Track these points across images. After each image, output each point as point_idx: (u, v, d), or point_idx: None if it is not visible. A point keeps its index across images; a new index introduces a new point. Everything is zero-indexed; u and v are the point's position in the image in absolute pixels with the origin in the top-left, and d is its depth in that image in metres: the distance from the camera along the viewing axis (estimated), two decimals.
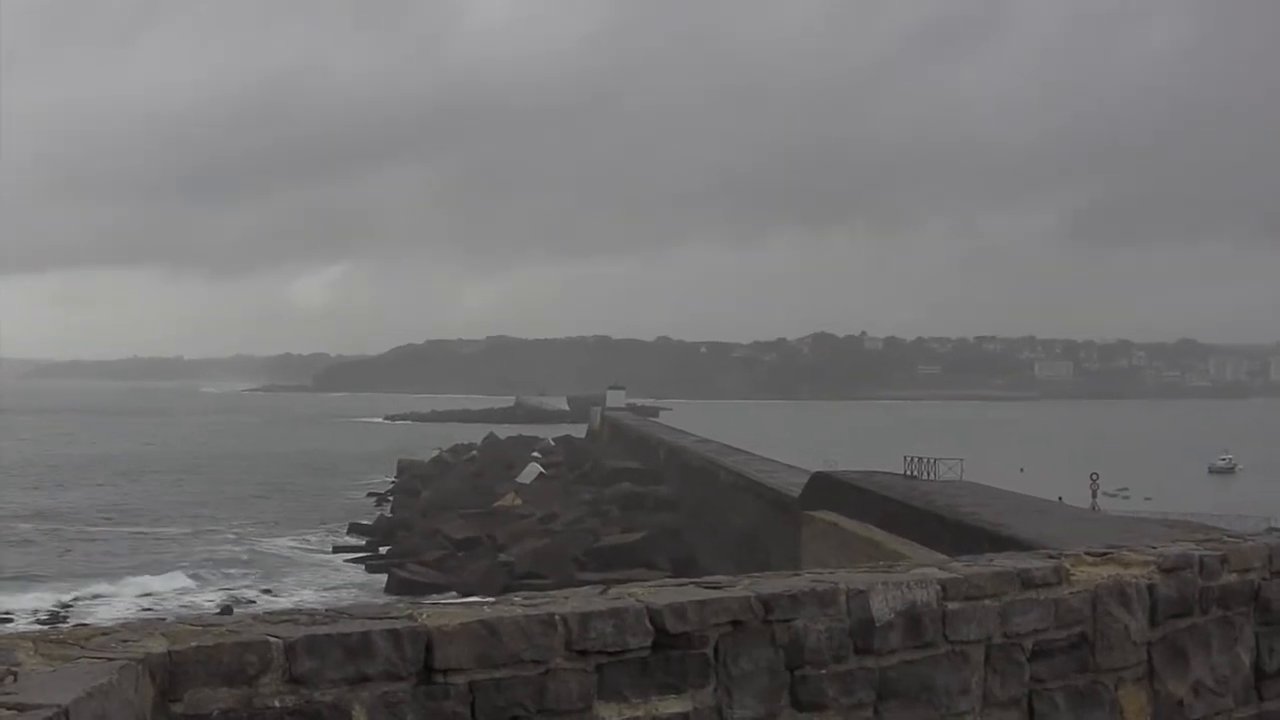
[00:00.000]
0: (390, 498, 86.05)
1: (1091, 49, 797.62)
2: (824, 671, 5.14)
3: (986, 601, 5.67)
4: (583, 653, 4.56)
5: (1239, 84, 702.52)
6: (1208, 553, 6.73)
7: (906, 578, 5.55)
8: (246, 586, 53.44)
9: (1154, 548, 6.69)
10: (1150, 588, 6.32)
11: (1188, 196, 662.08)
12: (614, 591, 4.96)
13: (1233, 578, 6.80)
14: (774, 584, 5.22)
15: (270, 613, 4.64)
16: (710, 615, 4.85)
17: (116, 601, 49.13)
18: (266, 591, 52.15)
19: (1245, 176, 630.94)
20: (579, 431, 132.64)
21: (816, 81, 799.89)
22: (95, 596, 50.44)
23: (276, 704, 4.02)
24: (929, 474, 36.83)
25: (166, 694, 3.88)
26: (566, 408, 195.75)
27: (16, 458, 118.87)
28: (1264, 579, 6.99)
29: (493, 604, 4.72)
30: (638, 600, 4.78)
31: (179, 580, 53.99)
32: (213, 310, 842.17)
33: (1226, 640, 6.73)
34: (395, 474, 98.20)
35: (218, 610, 42.75)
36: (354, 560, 60.62)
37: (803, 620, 5.10)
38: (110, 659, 3.71)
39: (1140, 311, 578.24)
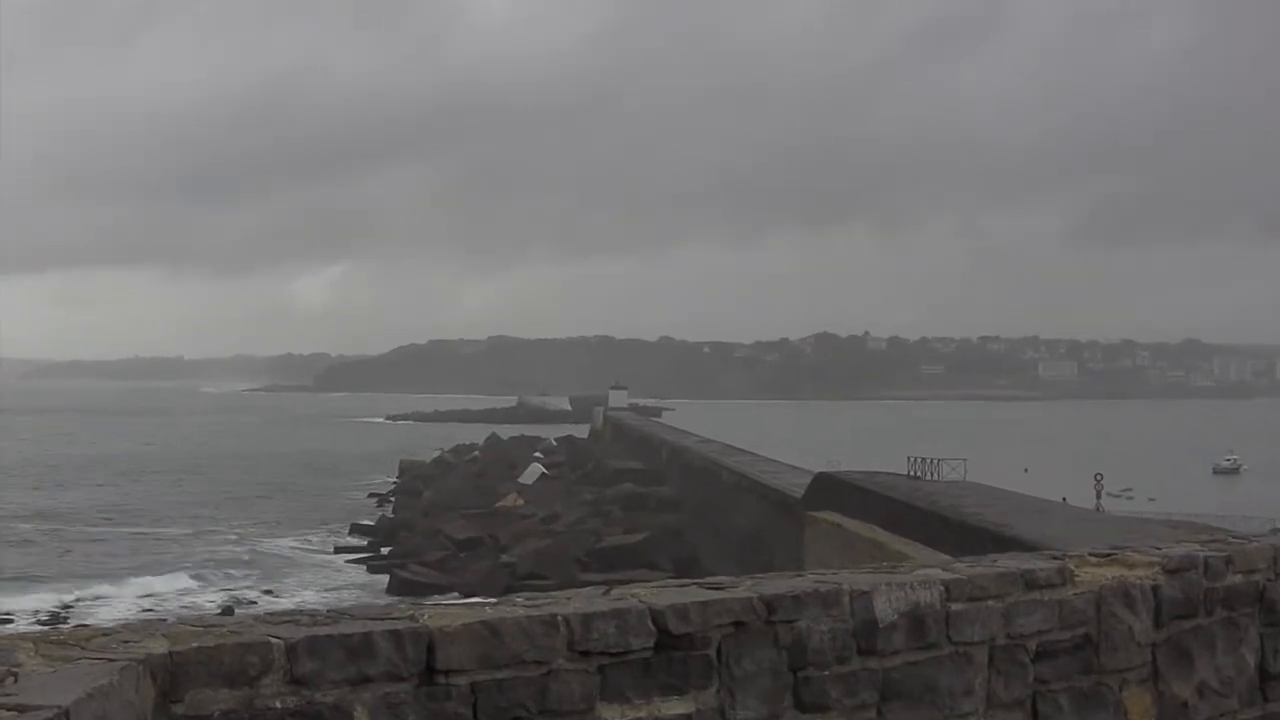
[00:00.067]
0: (392, 498, 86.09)
1: (1091, 49, 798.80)
2: (827, 673, 5.12)
3: (990, 602, 5.66)
4: (585, 654, 4.54)
5: (1239, 84, 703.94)
6: (1212, 554, 6.72)
7: (910, 578, 5.53)
8: (248, 587, 53.47)
9: (1158, 549, 6.68)
10: (1155, 589, 6.31)
11: (1188, 196, 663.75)
12: (616, 592, 4.94)
13: (1237, 579, 6.78)
14: (777, 585, 5.21)
15: (271, 613, 4.63)
16: (713, 616, 4.83)
17: (117, 602, 49.13)
18: (268, 592, 52.18)
19: (1245, 176, 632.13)
20: (581, 432, 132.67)
21: (816, 81, 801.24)
22: (96, 597, 50.44)
23: (278, 705, 4.01)
24: (932, 474, 36.87)
25: (167, 695, 3.87)
26: (569, 408, 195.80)
27: (16, 458, 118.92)
28: (1269, 580, 6.98)
29: (495, 605, 4.70)
30: (640, 601, 4.77)
31: (180, 581, 54.03)
32: (213, 310, 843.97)
33: (1231, 641, 6.71)
34: (397, 474, 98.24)
35: (219, 611, 42.72)
36: (355, 561, 60.64)
37: (806, 621, 5.08)
38: (111, 660, 3.70)
39: (1144, 311, 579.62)
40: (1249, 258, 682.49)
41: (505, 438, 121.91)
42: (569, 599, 4.82)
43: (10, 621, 43.46)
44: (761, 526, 45.04)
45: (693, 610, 4.78)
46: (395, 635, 4.22)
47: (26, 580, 54.03)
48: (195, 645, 3.95)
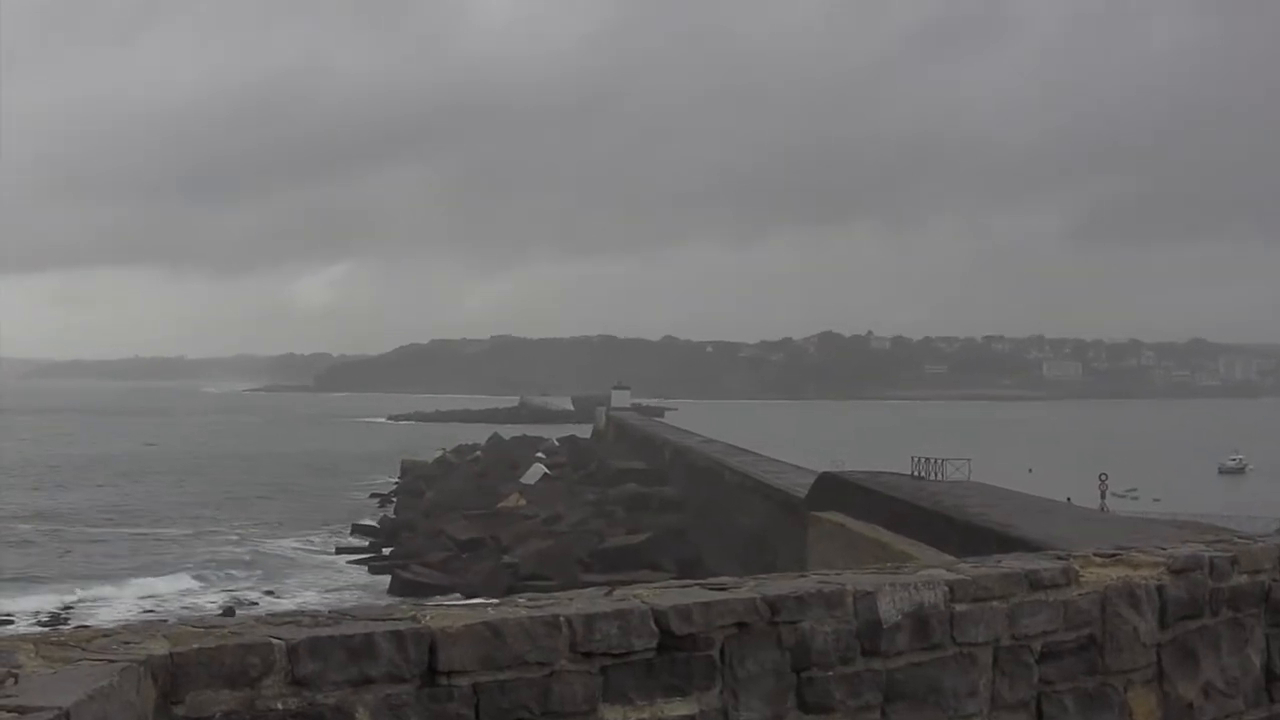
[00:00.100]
0: (393, 498, 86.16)
1: (1091, 49, 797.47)
2: (830, 673, 5.11)
3: (994, 603, 5.64)
4: (587, 654, 4.53)
5: (1239, 84, 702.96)
6: (1218, 554, 6.70)
7: (914, 579, 5.51)
8: (249, 588, 53.52)
9: (1163, 549, 6.66)
10: (1160, 589, 6.29)
11: (1188, 196, 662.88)
12: (619, 593, 4.93)
13: (1243, 579, 6.77)
14: (780, 585, 5.19)
15: (273, 614, 4.63)
16: (716, 617, 4.82)
17: (118, 603, 49.15)
18: (269, 593, 52.23)
19: (1245, 176, 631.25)
20: (584, 432, 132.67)
21: (817, 81, 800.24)
22: (96, 598, 50.45)
23: (279, 706, 4.00)
24: (936, 474, 36.88)
25: (168, 696, 3.86)
26: (571, 408, 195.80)
27: (16, 458, 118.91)
28: (1275, 580, 6.96)
29: (497, 605, 4.69)
30: (643, 602, 4.75)
31: (181, 582, 54.06)
32: (214, 310, 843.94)
33: (1237, 642, 6.70)
34: (398, 474, 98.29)
35: (220, 612, 42.78)
36: (357, 561, 60.66)
37: (809, 622, 5.07)
38: (112, 661, 3.69)
39: (1149, 311, 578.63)
40: (1249, 258, 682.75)
41: (507, 438, 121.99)
42: (571, 600, 4.81)
43: (11, 623, 43.46)
44: (765, 527, 45.05)
45: (696, 611, 4.77)
46: (397, 636, 4.20)
47: (27, 581, 54.04)
48: (196, 646, 3.94)
